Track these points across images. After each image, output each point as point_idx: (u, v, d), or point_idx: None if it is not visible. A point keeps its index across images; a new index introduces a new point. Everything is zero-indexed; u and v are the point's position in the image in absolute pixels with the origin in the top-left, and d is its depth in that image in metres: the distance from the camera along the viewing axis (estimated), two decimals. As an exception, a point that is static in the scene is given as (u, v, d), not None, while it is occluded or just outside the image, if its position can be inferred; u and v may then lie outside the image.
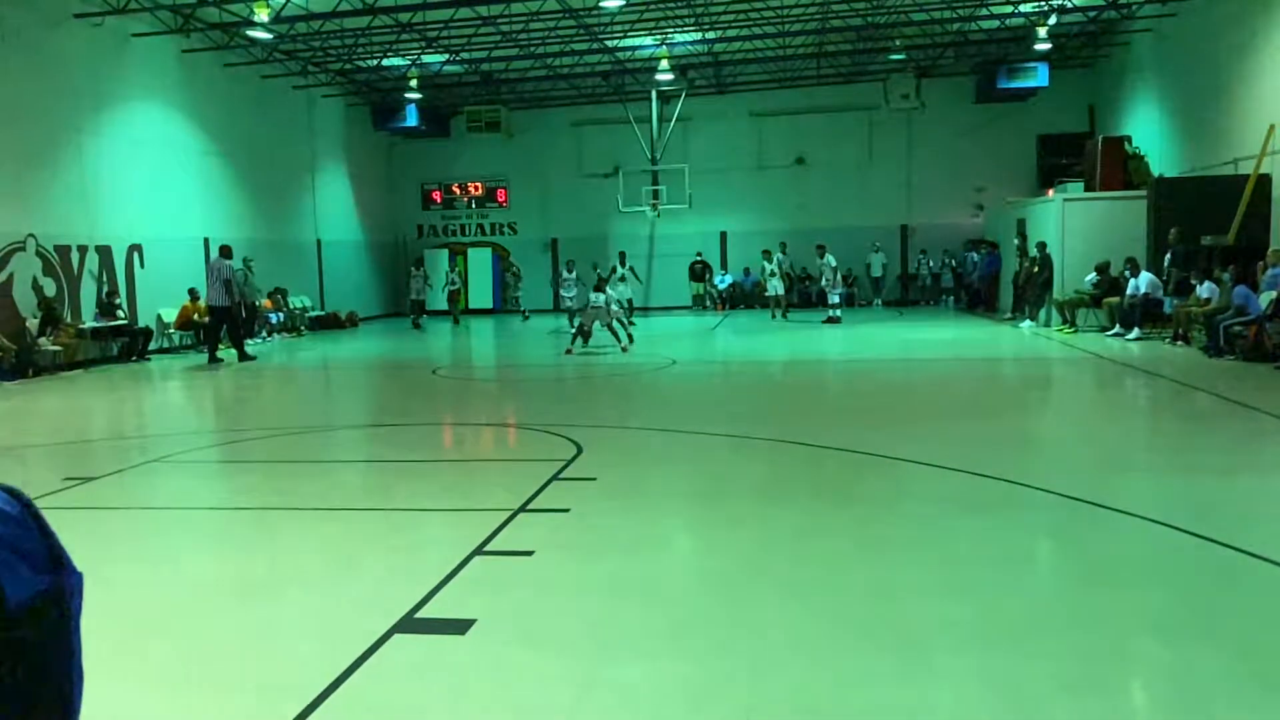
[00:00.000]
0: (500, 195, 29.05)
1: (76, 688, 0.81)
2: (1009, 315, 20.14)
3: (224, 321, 16.27)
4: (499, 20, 19.51)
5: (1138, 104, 21.84)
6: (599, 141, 27.83)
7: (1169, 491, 6.21)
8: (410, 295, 24.17)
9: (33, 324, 15.00)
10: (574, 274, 21.75)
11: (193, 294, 18.74)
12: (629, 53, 23.38)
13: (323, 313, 23.94)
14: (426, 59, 23.03)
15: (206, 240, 19.90)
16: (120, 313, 16.99)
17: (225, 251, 16.29)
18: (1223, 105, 17.08)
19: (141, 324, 17.55)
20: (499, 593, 4.43)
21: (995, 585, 4.39)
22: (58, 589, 0.77)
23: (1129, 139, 18.78)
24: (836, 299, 21.22)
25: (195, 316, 18.60)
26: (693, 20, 20.59)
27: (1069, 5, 19.83)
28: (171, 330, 18.51)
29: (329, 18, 18.04)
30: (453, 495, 6.61)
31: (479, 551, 4.96)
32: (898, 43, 23.05)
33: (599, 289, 16.09)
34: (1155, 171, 18.14)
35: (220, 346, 16.58)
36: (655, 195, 25.51)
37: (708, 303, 27.26)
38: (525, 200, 28.84)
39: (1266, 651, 3.57)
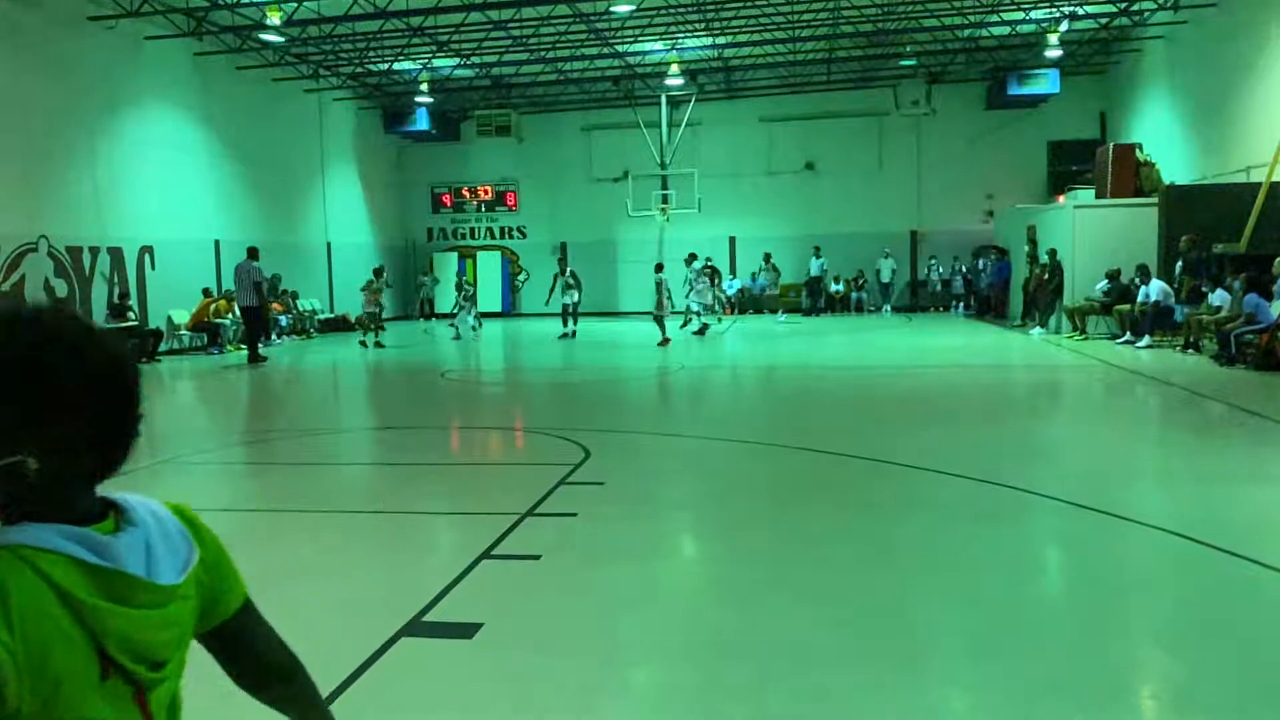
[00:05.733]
0: (510, 199, 29.11)
1: None
2: (1019, 322, 20.08)
3: (254, 321, 16.42)
4: (510, 25, 19.57)
5: (1149, 111, 21.78)
6: (609, 146, 27.87)
7: (1179, 500, 6.17)
8: (420, 297, 24.34)
9: (44, 325, 15.06)
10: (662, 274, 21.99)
11: (206, 294, 18.83)
12: (639, 57, 23.42)
13: (332, 315, 24.00)
14: (437, 63, 23.09)
15: (217, 242, 20.00)
16: (131, 314, 17.07)
17: (253, 253, 16.39)
18: (1235, 112, 17.02)
19: (152, 325, 17.64)
20: (506, 597, 4.42)
21: (1005, 593, 4.37)
22: None
23: (1140, 146, 18.71)
24: (696, 307, 20.72)
25: (207, 318, 18.67)
26: (703, 25, 20.61)
27: (1080, 12, 19.79)
28: (182, 331, 18.58)
29: (341, 21, 18.11)
30: (460, 499, 6.61)
31: (486, 555, 4.95)
32: (908, 49, 23.04)
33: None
34: (1166, 179, 18.07)
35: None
36: (664, 200, 25.48)
37: (716, 308, 27.20)
38: (535, 204, 28.89)
39: (1277, 663, 3.55)
